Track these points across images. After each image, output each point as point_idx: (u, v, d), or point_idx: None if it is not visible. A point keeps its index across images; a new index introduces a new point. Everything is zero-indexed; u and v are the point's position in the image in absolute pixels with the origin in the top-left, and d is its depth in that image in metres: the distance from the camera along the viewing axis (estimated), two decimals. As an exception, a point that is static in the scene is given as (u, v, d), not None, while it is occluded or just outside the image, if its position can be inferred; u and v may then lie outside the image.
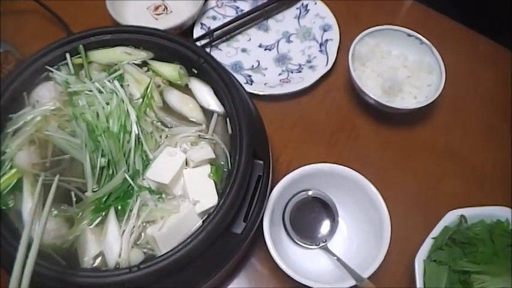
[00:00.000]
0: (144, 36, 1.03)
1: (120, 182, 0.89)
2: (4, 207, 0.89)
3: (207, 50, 1.30)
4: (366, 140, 1.24)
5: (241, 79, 1.24)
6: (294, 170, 1.04)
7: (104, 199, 0.89)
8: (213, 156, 0.93)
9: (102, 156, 0.91)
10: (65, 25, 1.32)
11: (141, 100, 0.98)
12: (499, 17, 1.51)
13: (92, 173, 0.90)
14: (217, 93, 0.99)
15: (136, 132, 0.92)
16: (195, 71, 1.02)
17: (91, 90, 0.98)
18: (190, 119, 0.98)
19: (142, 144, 0.93)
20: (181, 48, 1.01)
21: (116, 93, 0.96)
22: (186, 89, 1.02)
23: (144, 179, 0.90)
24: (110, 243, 0.85)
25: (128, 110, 0.94)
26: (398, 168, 1.20)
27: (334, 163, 1.05)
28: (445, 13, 1.44)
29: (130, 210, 0.87)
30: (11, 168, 0.92)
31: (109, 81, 0.99)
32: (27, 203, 0.89)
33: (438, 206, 1.12)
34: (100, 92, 0.97)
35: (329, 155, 1.20)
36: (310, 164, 1.05)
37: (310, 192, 1.07)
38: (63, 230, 0.88)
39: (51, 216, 0.87)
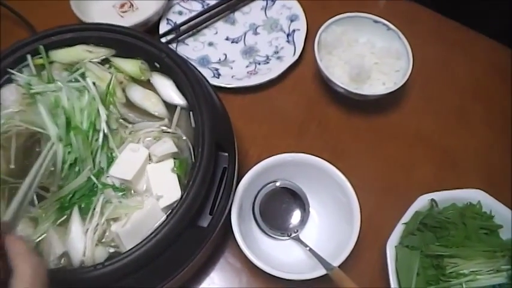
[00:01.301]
0: (105, 33, 1.02)
1: (84, 180, 0.88)
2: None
3: (174, 45, 1.30)
4: (336, 128, 1.23)
5: (208, 73, 1.24)
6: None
7: (68, 197, 0.88)
8: (175, 150, 0.92)
9: (69, 153, 0.90)
10: (31, 27, 1.31)
11: (104, 97, 0.97)
12: (472, 1, 1.50)
13: (61, 168, 0.89)
14: (179, 87, 0.99)
15: (106, 130, 0.92)
16: (158, 66, 1.01)
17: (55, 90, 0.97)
18: (153, 114, 0.97)
19: (108, 141, 0.93)
20: (142, 44, 1.00)
21: (88, 91, 0.96)
22: (148, 84, 1.01)
23: (108, 177, 0.90)
24: (74, 242, 0.84)
25: (98, 108, 0.94)
26: (370, 155, 1.20)
27: (304, 153, 1.05)
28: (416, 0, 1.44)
29: (94, 208, 0.87)
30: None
31: (75, 79, 0.99)
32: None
33: (411, 192, 1.11)
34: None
35: (299, 145, 1.19)
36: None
37: (278, 183, 1.07)
38: (29, 230, 0.86)
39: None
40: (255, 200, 1.06)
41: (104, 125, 0.92)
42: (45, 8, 1.38)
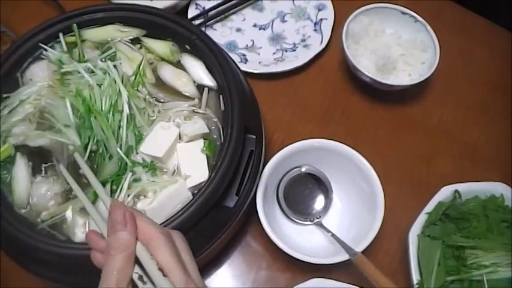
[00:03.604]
0: (137, 13, 1.03)
1: (116, 169, 0.90)
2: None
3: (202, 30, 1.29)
4: (360, 117, 1.24)
5: (235, 58, 1.24)
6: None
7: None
8: (207, 130, 0.93)
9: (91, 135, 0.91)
10: (59, 6, 1.32)
11: (133, 78, 0.98)
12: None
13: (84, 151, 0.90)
14: (209, 69, 1.00)
15: (128, 111, 0.92)
16: (188, 48, 1.02)
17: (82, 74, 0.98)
18: (184, 94, 0.99)
19: (135, 120, 0.93)
20: (174, 25, 1.01)
21: (109, 74, 0.96)
22: (178, 65, 1.02)
23: (137, 154, 0.91)
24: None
25: (119, 89, 0.94)
26: (392, 145, 1.21)
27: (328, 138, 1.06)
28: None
29: (122, 185, 0.88)
30: (4, 143, 0.92)
31: (102, 60, 0.99)
32: (20, 175, 0.90)
33: (431, 182, 1.13)
34: (92, 72, 0.97)
35: (323, 132, 1.20)
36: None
37: (303, 169, 1.08)
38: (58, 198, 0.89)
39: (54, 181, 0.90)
40: (279, 184, 1.07)
41: (125, 106, 0.93)
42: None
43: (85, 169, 0.79)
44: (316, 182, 1.08)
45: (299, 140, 1.05)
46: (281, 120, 1.21)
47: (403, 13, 1.25)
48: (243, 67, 1.21)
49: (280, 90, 1.26)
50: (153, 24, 1.03)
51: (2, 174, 0.91)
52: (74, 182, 0.78)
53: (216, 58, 0.97)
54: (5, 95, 0.97)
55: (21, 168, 0.90)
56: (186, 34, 1.00)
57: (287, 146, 1.04)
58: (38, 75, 0.99)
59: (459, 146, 1.22)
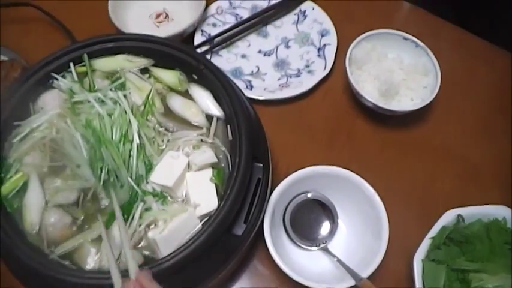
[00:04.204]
0: (145, 43, 1.06)
1: (127, 198, 0.92)
2: (10, 211, 0.91)
3: (208, 56, 1.33)
4: (364, 141, 1.26)
5: (241, 84, 1.26)
6: (294, 172, 1.06)
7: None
8: (215, 160, 0.95)
9: (103, 166, 0.93)
10: (68, 32, 1.34)
11: (143, 107, 1.00)
12: (492, 17, 1.53)
13: (98, 181, 0.92)
14: (217, 98, 1.02)
15: (138, 141, 0.95)
16: (195, 77, 1.05)
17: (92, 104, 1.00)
18: (193, 123, 1.01)
19: (145, 150, 0.95)
20: (181, 55, 1.03)
21: (119, 104, 0.99)
22: (186, 95, 1.04)
23: (148, 183, 0.93)
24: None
25: (129, 119, 0.97)
26: (396, 168, 1.22)
27: (332, 165, 1.07)
28: (439, 15, 1.46)
29: (133, 215, 0.90)
30: (17, 172, 0.94)
31: (111, 89, 1.02)
32: (32, 202, 0.92)
33: (435, 204, 1.14)
34: (102, 101, 1.00)
35: (328, 157, 1.22)
36: (309, 166, 1.07)
37: (309, 194, 1.10)
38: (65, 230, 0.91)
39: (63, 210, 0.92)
40: (285, 210, 1.09)
41: (136, 136, 0.95)
42: (82, 14, 1.43)
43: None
44: (322, 208, 1.10)
45: (305, 166, 1.07)
46: (286, 145, 1.22)
47: (405, 38, 1.27)
48: (249, 94, 1.23)
49: (285, 115, 1.28)
50: (161, 54, 1.05)
51: (14, 201, 0.92)
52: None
53: (223, 88, 0.99)
54: (16, 123, 0.99)
55: (33, 195, 0.92)
56: (194, 64, 1.03)
57: (293, 172, 1.06)
58: (49, 104, 1.01)
59: (462, 167, 1.23)
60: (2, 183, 0.93)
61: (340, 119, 1.28)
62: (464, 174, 1.22)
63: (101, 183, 0.92)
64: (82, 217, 0.92)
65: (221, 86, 1.00)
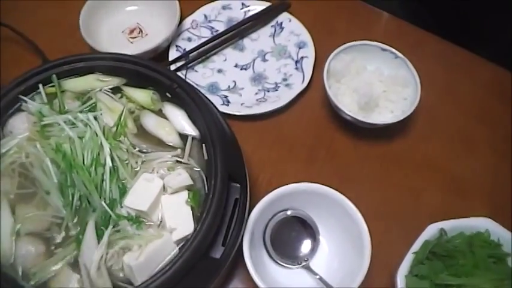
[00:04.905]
0: (116, 62, 1.03)
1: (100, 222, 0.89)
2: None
3: (183, 72, 1.31)
4: (345, 155, 1.24)
5: (217, 100, 1.24)
6: (274, 189, 1.03)
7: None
8: (191, 182, 0.93)
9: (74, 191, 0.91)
10: (40, 52, 1.30)
11: (115, 128, 0.98)
12: (473, 27, 1.52)
13: (70, 209, 0.90)
14: (191, 117, 1.00)
15: (110, 164, 0.92)
16: (169, 95, 1.02)
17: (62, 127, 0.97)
18: (167, 143, 0.98)
19: (118, 173, 0.93)
20: (154, 74, 1.01)
21: (90, 126, 0.96)
22: (160, 114, 1.02)
23: (122, 207, 0.90)
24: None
25: (101, 142, 0.94)
26: (378, 182, 1.21)
27: (313, 180, 1.05)
28: (419, 24, 1.45)
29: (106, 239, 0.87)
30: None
31: (82, 111, 0.99)
32: (4, 231, 0.88)
33: (419, 217, 1.12)
34: (73, 124, 0.97)
35: (308, 171, 1.20)
36: (290, 182, 1.04)
37: (289, 212, 1.07)
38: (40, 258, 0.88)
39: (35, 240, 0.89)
40: (265, 229, 1.06)
41: (108, 159, 0.93)
42: (54, 32, 1.41)
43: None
44: (303, 225, 1.07)
45: (285, 182, 1.05)
46: (266, 160, 1.20)
47: (383, 49, 1.25)
48: (225, 109, 1.21)
49: (263, 130, 1.25)
50: (133, 72, 1.03)
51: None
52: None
53: (197, 107, 0.97)
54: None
55: (4, 224, 0.89)
56: (167, 82, 1.00)
57: (272, 190, 1.03)
58: (19, 127, 0.99)
59: (445, 179, 1.22)
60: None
61: (320, 133, 1.26)
62: (448, 186, 1.21)
63: (72, 210, 0.89)
64: (56, 243, 0.89)
65: (195, 105, 0.98)
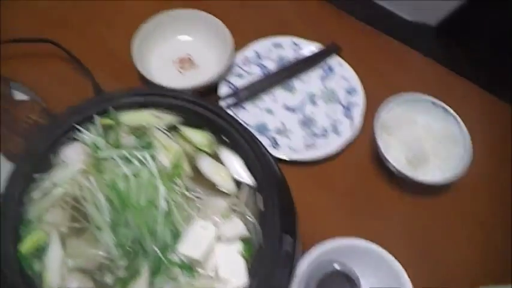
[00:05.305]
0: (175, 100, 1.02)
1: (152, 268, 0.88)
2: (30, 272, 0.87)
3: (233, 109, 1.30)
4: (390, 207, 1.23)
5: (266, 141, 1.23)
6: (319, 240, 1.03)
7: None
8: (247, 233, 0.91)
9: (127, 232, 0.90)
10: (87, 72, 1.30)
11: (170, 169, 0.96)
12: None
13: (121, 249, 0.89)
14: (247, 165, 0.98)
15: (165, 208, 0.91)
16: (225, 139, 1.01)
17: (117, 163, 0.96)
18: (221, 189, 0.97)
19: (172, 217, 0.91)
20: (212, 116, 1.00)
21: (146, 166, 0.95)
22: (215, 157, 1.00)
23: (174, 253, 0.89)
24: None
25: (156, 183, 0.93)
26: (422, 236, 1.19)
27: (357, 231, 1.06)
28: (468, 77, 1.44)
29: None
30: (36, 230, 0.90)
31: (138, 148, 0.98)
32: (54, 264, 0.87)
33: (464, 277, 1.11)
34: (128, 159, 0.96)
35: (353, 222, 1.19)
36: (334, 232, 1.05)
37: (335, 266, 1.06)
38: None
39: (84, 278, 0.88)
40: (310, 282, 1.05)
41: (163, 201, 0.91)
42: (102, 52, 1.41)
43: None
44: (347, 280, 1.06)
45: (329, 231, 1.06)
46: (309, 208, 1.15)
47: (434, 103, 1.24)
48: (275, 153, 1.20)
49: (307, 175, 1.24)
50: (191, 112, 1.01)
51: (33, 262, 0.88)
52: None
53: (255, 155, 0.96)
54: (37, 175, 0.95)
55: (54, 257, 0.88)
56: (225, 126, 0.99)
57: (318, 239, 1.04)
58: (72, 158, 0.97)
59: (493, 239, 1.20)
60: (21, 242, 0.89)
61: (365, 183, 1.25)
62: (495, 246, 1.19)
63: (124, 251, 0.88)
64: (105, 284, 0.87)
65: (253, 152, 0.96)
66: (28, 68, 1.36)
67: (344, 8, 1.52)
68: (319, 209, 1.20)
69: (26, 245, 0.88)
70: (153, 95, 1.04)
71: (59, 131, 0.99)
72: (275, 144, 1.26)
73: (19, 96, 1.27)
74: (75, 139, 1.00)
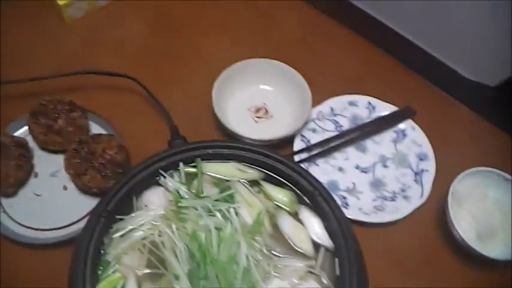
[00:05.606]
0: (261, 157, 1.05)
1: None
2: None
3: (305, 164, 1.31)
4: (451, 278, 1.22)
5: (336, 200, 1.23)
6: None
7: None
8: (324, 299, 0.93)
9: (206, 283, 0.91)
10: (166, 113, 1.30)
11: (251, 225, 0.98)
12: None
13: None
14: (327, 228, 1.00)
15: (246, 265, 0.92)
16: (307, 200, 1.03)
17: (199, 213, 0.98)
18: (298, 250, 0.98)
19: (251, 274, 0.93)
20: (297, 176, 1.02)
21: (230, 221, 0.97)
22: (295, 217, 1.02)
23: (251, 311, 0.90)
24: None
25: (239, 240, 0.95)
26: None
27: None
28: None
29: None
30: (114, 272, 0.93)
31: (218, 200, 1.00)
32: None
33: None
34: (209, 211, 0.98)
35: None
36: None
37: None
38: None
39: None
40: None
41: (244, 259, 0.93)
42: (178, 91, 1.44)
43: None
44: None
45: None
46: (372, 270, 1.18)
47: (506, 179, 1.24)
48: (345, 213, 1.18)
49: (372, 236, 1.23)
50: (276, 170, 1.04)
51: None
52: None
53: (336, 219, 0.98)
54: (118, 217, 0.98)
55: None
56: (309, 188, 1.01)
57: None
58: (154, 202, 1.01)
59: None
60: (98, 281, 0.92)
61: (429, 250, 1.25)
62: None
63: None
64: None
65: (334, 216, 0.98)
66: (104, 99, 1.40)
67: (416, 69, 1.54)
68: (380, 271, 1.16)
69: (103, 286, 0.92)
70: (240, 150, 1.06)
71: (144, 174, 1.02)
72: (345, 204, 1.26)
73: (95, 128, 1.31)
74: (158, 184, 1.03)
